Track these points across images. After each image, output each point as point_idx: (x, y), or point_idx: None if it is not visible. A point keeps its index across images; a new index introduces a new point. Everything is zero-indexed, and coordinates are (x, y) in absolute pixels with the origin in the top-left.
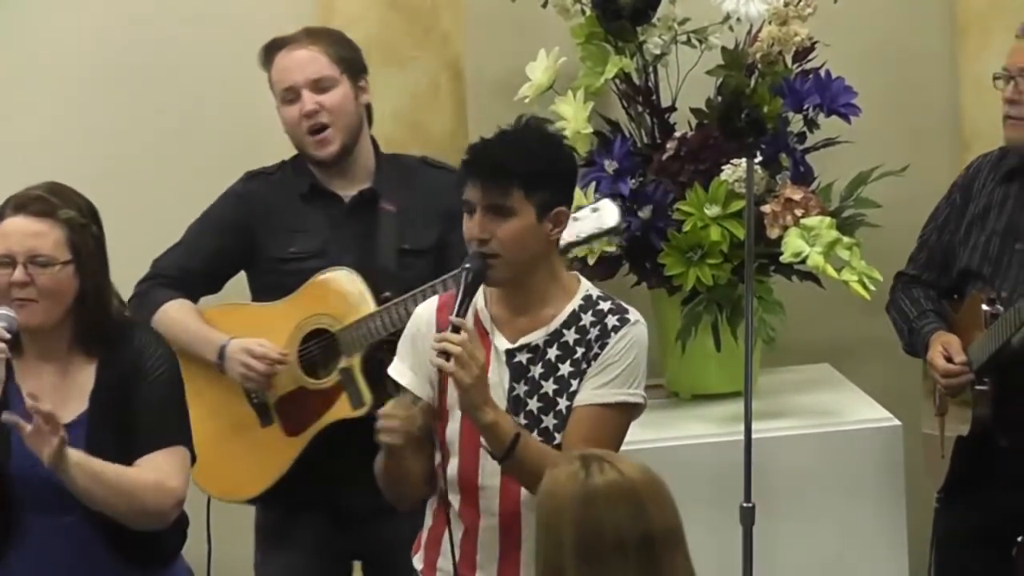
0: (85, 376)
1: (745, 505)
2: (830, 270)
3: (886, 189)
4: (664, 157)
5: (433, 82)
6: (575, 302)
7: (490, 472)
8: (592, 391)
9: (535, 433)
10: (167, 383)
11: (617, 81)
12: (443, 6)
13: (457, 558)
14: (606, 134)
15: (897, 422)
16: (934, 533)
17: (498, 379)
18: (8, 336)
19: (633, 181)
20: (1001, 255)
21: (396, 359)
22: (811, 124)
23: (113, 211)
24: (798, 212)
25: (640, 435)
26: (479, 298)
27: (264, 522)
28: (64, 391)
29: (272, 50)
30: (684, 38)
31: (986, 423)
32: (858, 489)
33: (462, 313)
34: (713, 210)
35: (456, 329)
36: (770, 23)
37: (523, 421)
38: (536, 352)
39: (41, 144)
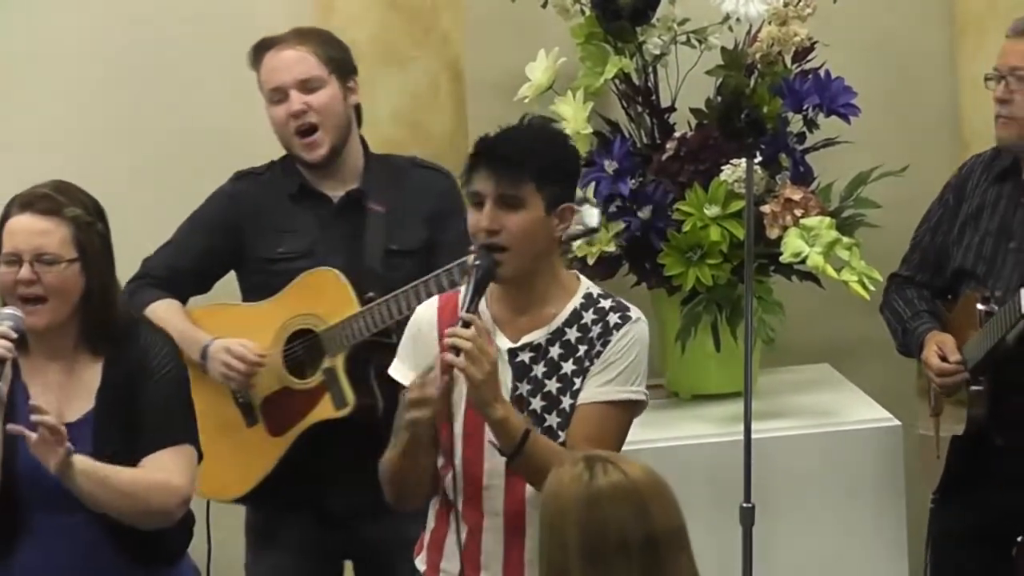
0: (91, 375)
1: (745, 505)
2: (830, 270)
3: (886, 189)
4: (664, 157)
5: (433, 82)
6: (576, 300)
7: (494, 471)
8: (595, 389)
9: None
10: (173, 381)
11: (617, 81)
12: (443, 6)
13: (461, 560)
14: (606, 134)
15: (897, 422)
16: (929, 533)
17: (501, 379)
18: (15, 336)
19: (633, 181)
20: (995, 254)
21: (397, 360)
22: (811, 124)
23: (112, 211)
24: (798, 212)
25: (640, 435)
26: (467, 301)
27: (253, 522)
28: (70, 390)
29: (261, 50)
30: (684, 38)
31: (981, 422)
32: (858, 489)
33: (472, 309)
34: (713, 210)
35: (467, 325)
36: (770, 23)
37: None
38: (538, 351)
39: (40, 144)
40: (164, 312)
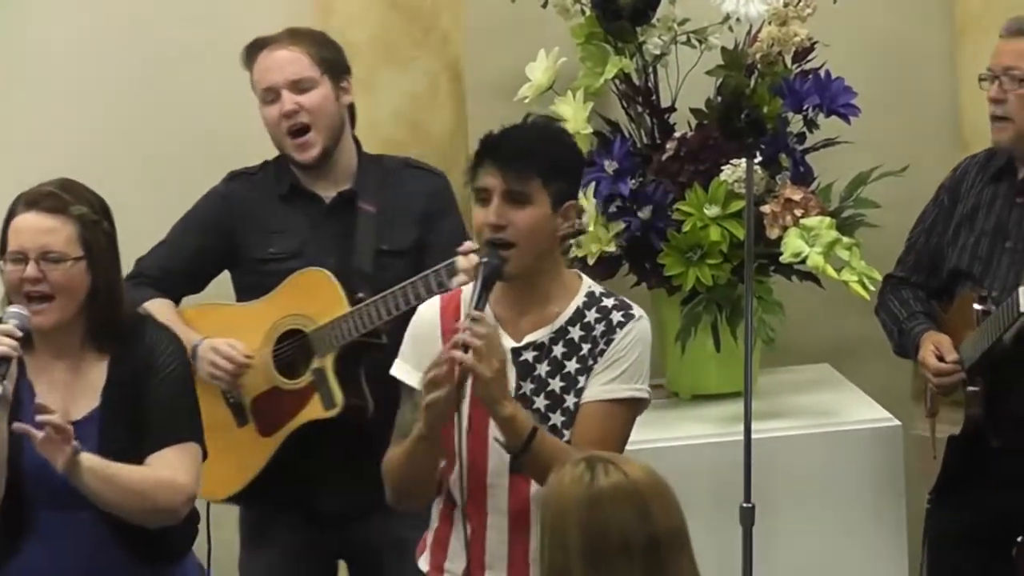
0: (97, 373)
1: (745, 505)
2: (830, 270)
3: (886, 189)
4: (664, 157)
5: (433, 82)
6: (579, 299)
7: (498, 470)
8: (600, 387)
9: None
10: (179, 380)
11: (617, 81)
12: (443, 6)
13: (466, 560)
14: (606, 134)
15: (897, 422)
16: (925, 534)
17: None
18: (20, 334)
19: (633, 181)
20: (991, 254)
21: (399, 360)
22: (811, 124)
23: (112, 211)
24: (798, 212)
25: (640, 435)
26: (475, 299)
27: (246, 522)
28: (76, 388)
29: (254, 50)
30: (684, 38)
31: (978, 423)
32: (858, 489)
33: (480, 307)
34: (713, 210)
35: (475, 322)
36: (770, 23)
37: None
38: (542, 350)
39: (40, 144)
40: (156, 311)
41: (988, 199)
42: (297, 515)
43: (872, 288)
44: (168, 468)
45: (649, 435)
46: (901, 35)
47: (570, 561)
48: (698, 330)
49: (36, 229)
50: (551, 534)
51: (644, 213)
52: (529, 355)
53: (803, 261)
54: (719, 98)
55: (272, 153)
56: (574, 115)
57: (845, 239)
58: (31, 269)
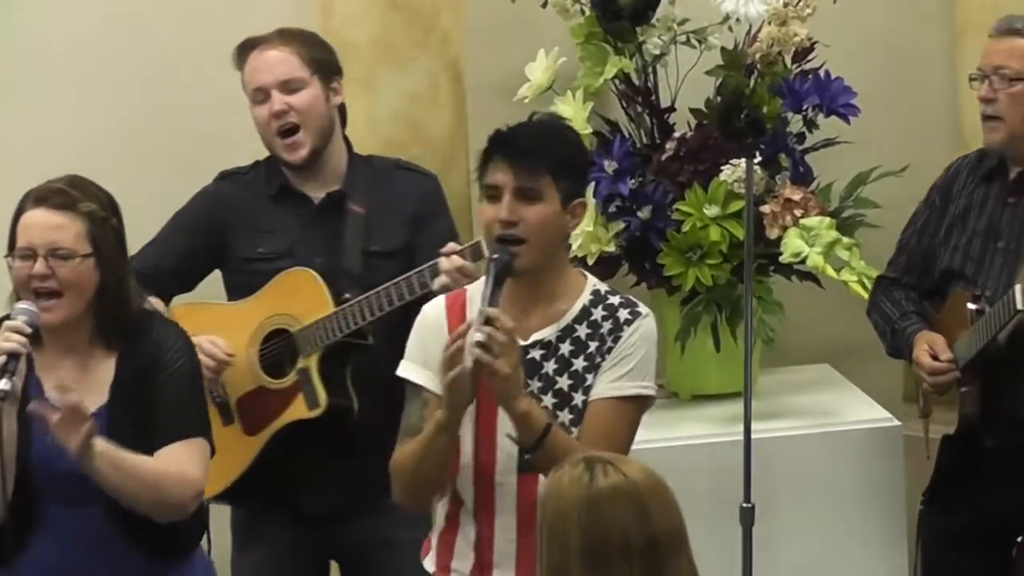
0: (105, 369)
1: (745, 505)
2: (830, 270)
3: (885, 189)
4: (663, 157)
5: (433, 82)
6: (584, 297)
7: (506, 469)
8: (608, 384)
9: None
10: (186, 376)
11: (616, 81)
12: (443, 6)
13: (473, 560)
14: (605, 134)
15: (897, 422)
16: (919, 535)
17: None
18: (29, 330)
19: (632, 181)
20: (983, 254)
21: (406, 360)
22: (810, 124)
23: None
24: (797, 212)
25: (640, 435)
26: (488, 296)
27: (236, 521)
28: (84, 384)
29: (245, 50)
30: (683, 38)
31: (973, 422)
32: (858, 489)
33: (493, 303)
34: (712, 210)
35: (489, 320)
36: (769, 23)
37: None
38: (549, 348)
39: (39, 144)
40: None
41: (980, 199)
42: (284, 515)
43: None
44: (177, 462)
45: (649, 435)
46: (901, 35)
47: (569, 562)
48: (698, 330)
49: (45, 226)
50: (550, 535)
51: (644, 213)
52: (536, 353)
53: (803, 261)
54: (719, 98)
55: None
56: (574, 115)
57: (845, 239)
58: (40, 266)
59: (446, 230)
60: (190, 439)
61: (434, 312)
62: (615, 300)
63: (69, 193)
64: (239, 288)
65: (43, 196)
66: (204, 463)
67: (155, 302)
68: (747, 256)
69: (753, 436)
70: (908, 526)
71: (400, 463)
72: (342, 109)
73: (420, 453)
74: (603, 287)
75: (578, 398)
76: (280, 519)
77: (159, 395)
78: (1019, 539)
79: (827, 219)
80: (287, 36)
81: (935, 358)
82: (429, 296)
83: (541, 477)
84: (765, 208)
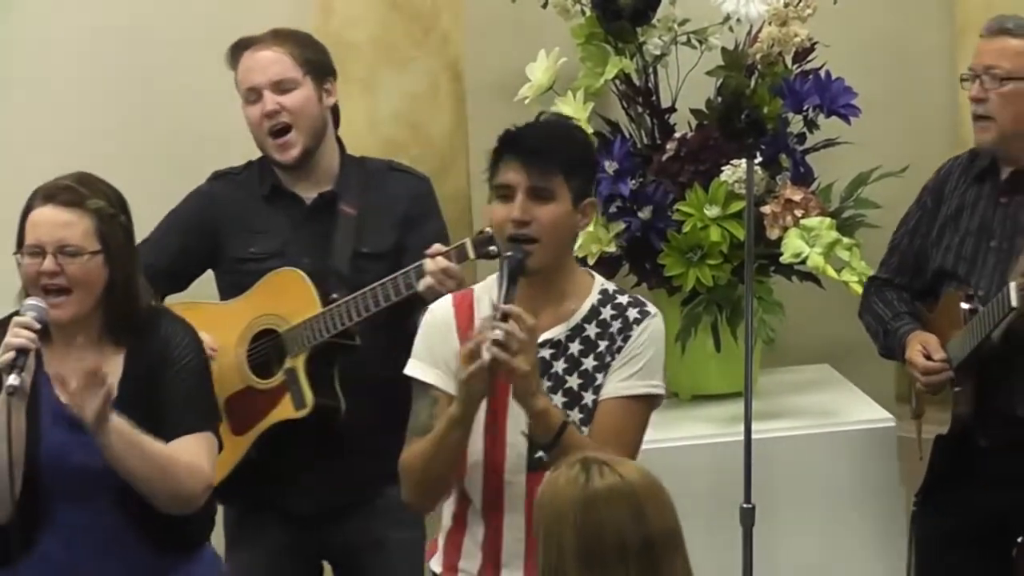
0: (114, 365)
1: (745, 506)
2: (830, 271)
3: (886, 189)
4: (664, 158)
5: (433, 82)
6: (593, 296)
7: (515, 468)
8: (618, 383)
9: None
10: (194, 372)
11: (617, 82)
12: (443, 6)
13: (481, 559)
14: (606, 135)
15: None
16: (912, 536)
17: None
18: (38, 326)
19: (633, 182)
20: (976, 254)
21: (413, 359)
22: (811, 125)
23: None
24: (798, 213)
25: None
26: (495, 294)
27: (227, 521)
28: None
29: (238, 50)
30: (684, 39)
31: (966, 422)
32: (858, 489)
33: (508, 302)
34: (713, 211)
35: (504, 317)
36: (770, 24)
37: None
38: (558, 347)
39: (39, 144)
40: None
41: (972, 200)
42: (273, 515)
43: None
44: (189, 453)
45: (649, 435)
46: (901, 35)
47: (565, 562)
48: (698, 330)
49: (53, 223)
50: (546, 535)
51: (644, 213)
52: (546, 352)
53: (803, 261)
54: (719, 98)
55: None
56: (574, 115)
57: (845, 239)
58: (48, 263)
59: (437, 232)
60: (200, 433)
61: (442, 311)
62: (624, 299)
63: (77, 190)
64: (231, 288)
65: (51, 193)
66: (213, 457)
67: None
68: (747, 256)
69: (753, 436)
70: (908, 526)
71: (410, 462)
72: (335, 110)
73: (432, 450)
74: (611, 286)
75: (588, 397)
76: (270, 519)
77: (168, 391)
78: (1020, 539)
79: (827, 219)
80: (280, 36)
81: (928, 358)
82: (415, 297)
83: None
84: (766, 208)
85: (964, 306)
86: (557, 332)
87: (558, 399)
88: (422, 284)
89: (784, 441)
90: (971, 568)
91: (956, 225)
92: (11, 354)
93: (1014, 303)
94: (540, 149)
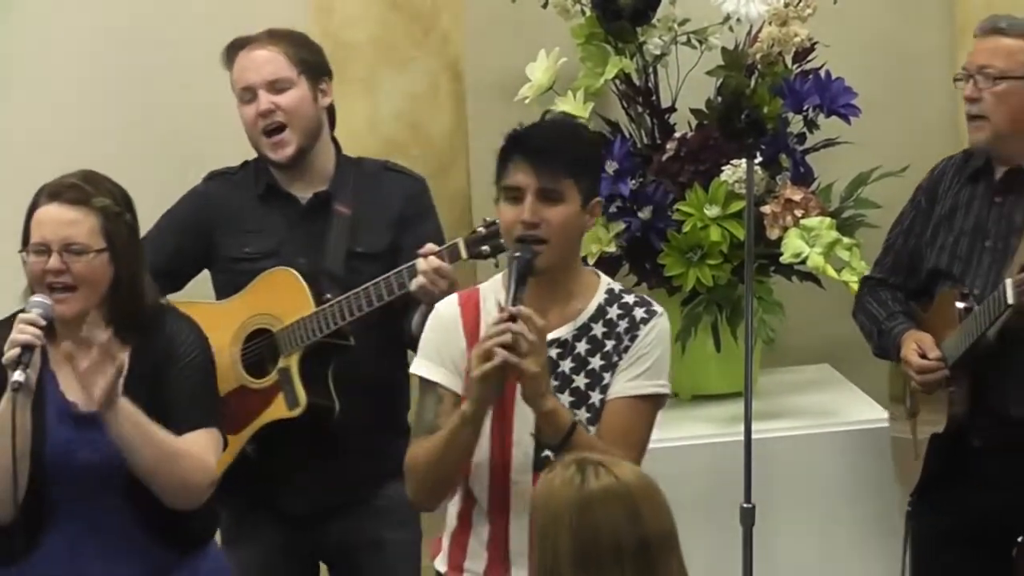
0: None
1: (745, 506)
2: (830, 270)
3: (886, 190)
4: (664, 158)
5: (433, 82)
6: (599, 296)
7: (522, 467)
8: (625, 383)
9: None
10: (199, 369)
11: (617, 82)
12: (443, 6)
13: (487, 559)
14: (606, 135)
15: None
16: (908, 535)
17: None
18: (43, 323)
19: (633, 182)
20: (970, 253)
21: (420, 358)
22: (811, 125)
23: None
24: (798, 213)
25: None
26: (501, 295)
27: (223, 520)
28: None
29: (233, 50)
30: (684, 39)
31: (962, 421)
32: (858, 489)
33: (517, 303)
34: (713, 211)
35: (513, 318)
36: (770, 24)
37: None
38: (565, 347)
39: (39, 144)
40: None
41: (966, 200)
42: (268, 515)
43: None
44: (196, 447)
45: None
46: (901, 35)
47: (560, 564)
48: (698, 330)
49: (58, 221)
50: (541, 536)
51: (644, 213)
52: (553, 352)
53: (803, 261)
54: (719, 98)
55: None
56: (574, 115)
57: (845, 239)
58: (54, 261)
59: (432, 233)
60: (206, 429)
61: (448, 310)
62: (630, 299)
63: (83, 188)
64: (227, 287)
65: (57, 191)
66: (219, 452)
67: None
68: (747, 256)
69: (753, 436)
70: (903, 525)
71: (417, 460)
72: (331, 110)
73: (441, 449)
74: (616, 286)
75: (595, 397)
76: (264, 519)
77: (173, 388)
78: (1020, 539)
79: (827, 219)
80: (276, 36)
81: (924, 356)
82: (408, 297)
83: None
84: (766, 208)
85: (959, 305)
86: (564, 331)
87: (565, 398)
88: (414, 283)
89: (784, 441)
90: (966, 568)
91: (950, 225)
92: (16, 350)
93: (1010, 300)
94: (549, 150)
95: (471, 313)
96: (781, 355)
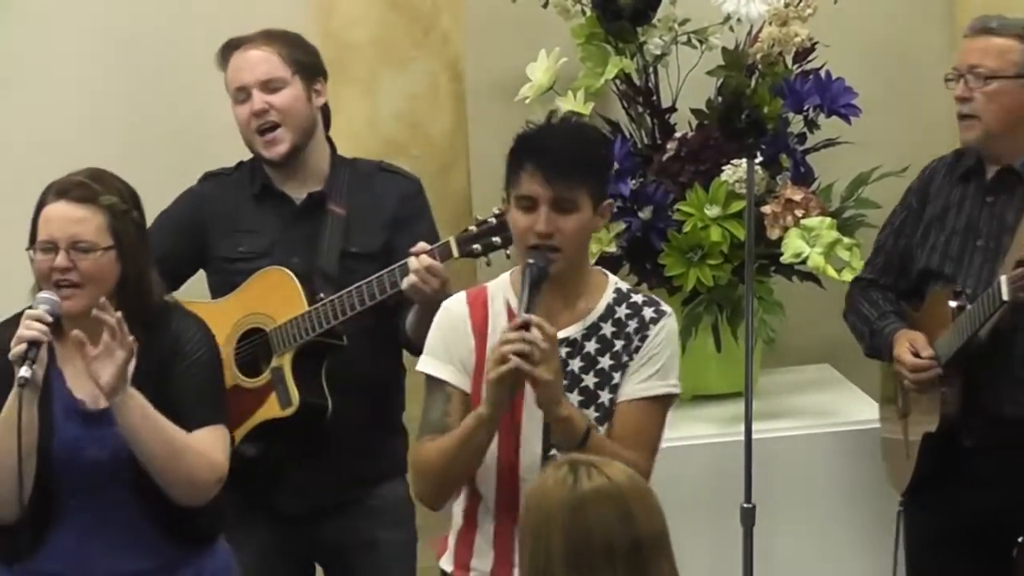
0: None
1: (745, 506)
2: (830, 271)
3: (886, 190)
4: (664, 158)
5: (433, 82)
6: (608, 295)
7: (530, 467)
8: (637, 385)
9: None
10: (206, 366)
11: (617, 82)
12: (443, 6)
13: (494, 558)
14: (606, 135)
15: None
16: (901, 535)
17: None
18: (50, 320)
19: (633, 182)
20: (962, 253)
21: (427, 356)
22: (811, 125)
23: None
24: (798, 213)
25: None
26: (510, 294)
27: None
28: None
29: (228, 50)
30: (684, 39)
31: (954, 420)
32: (858, 489)
33: (530, 310)
34: (713, 211)
35: (525, 326)
36: (770, 24)
37: None
38: (574, 346)
39: (40, 145)
40: None
41: (957, 199)
42: (263, 515)
43: None
44: (204, 444)
45: None
46: (901, 35)
47: (553, 565)
48: (699, 330)
49: (66, 219)
50: (534, 537)
51: (645, 213)
52: (562, 351)
53: (804, 261)
54: (720, 98)
55: None
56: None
57: (846, 239)
58: (61, 259)
59: (427, 233)
60: (213, 425)
61: (456, 308)
62: (638, 298)
63: (90, 186)
64: (221, 287)
65: (64, 189)
66: (226, 449)
67: None
68: (748, 256)
69: (753, 436)
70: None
71: (428, 460)
72: (325, 111)
73: (454, 450)
74: (624, 285)
75: (604, 396)
76: (260, 519)
77: (180, 385)
78: (1020, 539)
79: (828, 219)
80: (270, 36)
81: (916, 355)
82: (401, 296)
83: None
84: (766, 208)
85: (952, 304)
86: (573, 331)
87: (574, 397)
88: (406, 282)
89: (784, 441)
90: (960, 568)
91: (942, 225)
92: (23, 346)
93: (1005, 297)
94: (563, 160)
95: (479, 312)
96: (781, 355)
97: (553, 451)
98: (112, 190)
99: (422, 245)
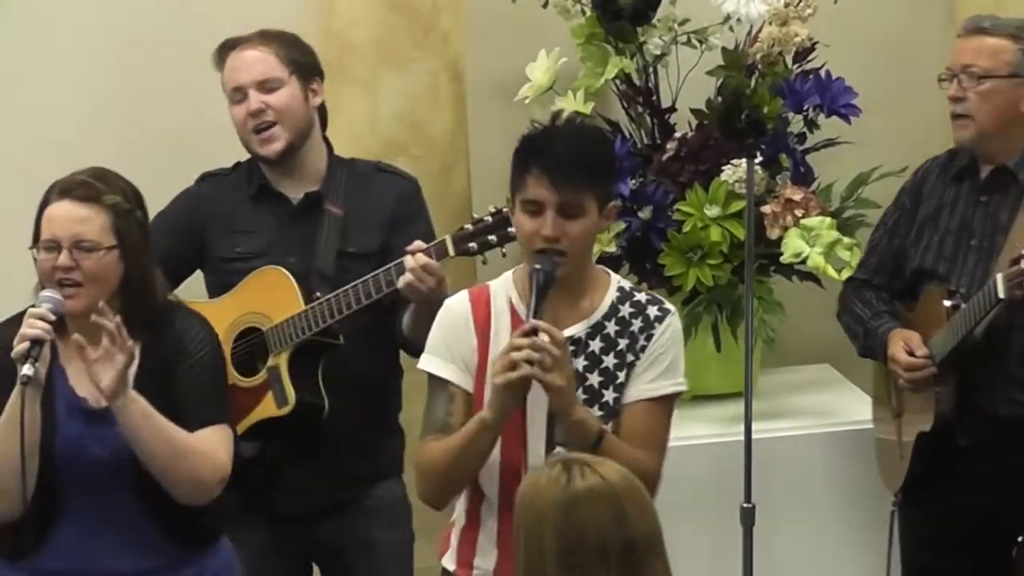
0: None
1: (745, 505)
2: (830, 270)
3: (886, 190)
4: (664, 158)
5: (433, 82)
6: (611, 294)
7: (533, 464)
8: (645, 385)
9: None
10: (209, 365)
11: (617, 82)
12: (443, 6)
13: (497, 556)
14: (606, 135)
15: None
16: (891, 536)
17: None
18: (53, 318)
19: (633, 181)
20: (956, 253)
21: (429, 354)
22: (811, 125)
23: None
24: (798, 212)
25: None
26: (512, 293)
27: None
28: None
29: (224, 50)
30: (684, 38)
31: (948, 420)
32: (858, 489)
33: (538, 315)
34: (713, 210)
35: (534, 332)
36: (770, 24)
37: None
38: (579, 345)
39: (40, 145)
40: None
41: (951, 199)
42: (260, 515)
43: None
44: (207, 444)
45: None
46: (901, 35)
47: (546, 564)
48: (698, 330)
49: (69, 218)
50: (527, 537)
51: (644, 213)
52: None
53: (803, 261)
54: (719, 98)
55: None
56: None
57: (846, 239)
58: (64, 258)
59: (424, 234)
60: (216, 425)
61: (459, 307)
62: (641, 297)
63: (94, 185)
64: (219, 287)
65: (68, 188)
66: (230, 448)
67: None
68: (748, 256)
69: (753, 436)
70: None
71: (432, 461)
72: (322, 111)
73: (458, 452)
74: (626, 284)
75: (609, 395)
76: (257, 519)
77: (183, 384)
78: (1020, 539)
79: (828, 219)
80: (267, 37)
81: (911, 354)
82: (397, 296)
83: None
84: (766, 208)
85: (946, 303)
86: (577, 329)
87: (579, 396)
88: (401, 281)
89: (784, 441)
90: (955, 567)
91: (936, 224)
92: (26, 344)
93: (1001, 294)
94: (569, 165)
95: (482, 311)
96: (781, 355)
97: (557, 449)
98: (116, 189)
99: (418, 243)
